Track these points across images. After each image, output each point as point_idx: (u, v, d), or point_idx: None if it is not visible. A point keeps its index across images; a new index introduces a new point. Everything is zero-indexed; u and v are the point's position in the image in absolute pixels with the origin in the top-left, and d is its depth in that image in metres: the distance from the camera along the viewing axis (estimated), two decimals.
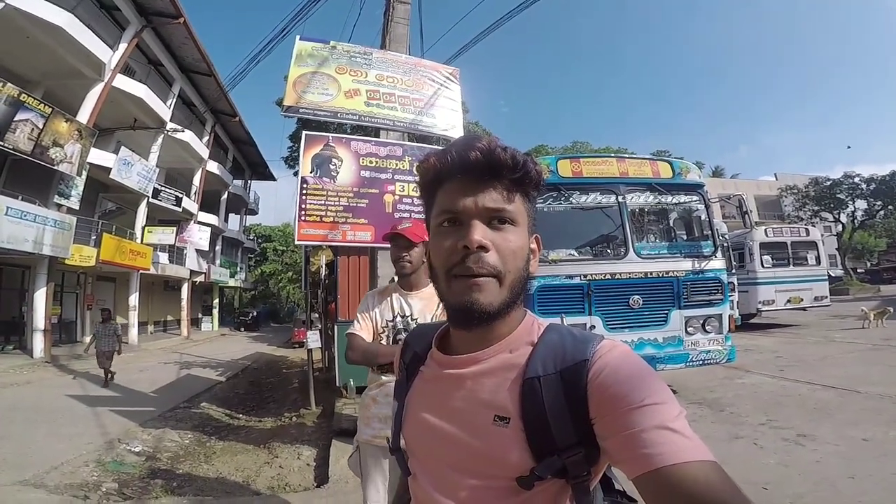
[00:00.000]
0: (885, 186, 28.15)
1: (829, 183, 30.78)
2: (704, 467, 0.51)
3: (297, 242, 4.11)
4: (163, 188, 19.10)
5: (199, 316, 28.26)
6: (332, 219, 4.25)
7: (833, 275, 20.84)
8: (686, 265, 5.26)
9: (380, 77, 4.87)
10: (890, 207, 29.78)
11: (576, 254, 5.33)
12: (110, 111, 15.38)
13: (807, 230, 14.02)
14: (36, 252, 11.75)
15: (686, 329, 5.16)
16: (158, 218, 20.49)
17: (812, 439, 4.02)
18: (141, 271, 17.98)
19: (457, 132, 5.03)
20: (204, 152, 22.75)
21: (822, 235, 14.88)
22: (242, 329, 30.42)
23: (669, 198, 5.71)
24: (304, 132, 4.37)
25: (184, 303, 22.90)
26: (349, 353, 2.04)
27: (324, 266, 8.86)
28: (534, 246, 0.68)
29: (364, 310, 2.10)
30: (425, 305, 2.03)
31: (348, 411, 5.37)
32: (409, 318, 2.03)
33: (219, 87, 21.60)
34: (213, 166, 24.77)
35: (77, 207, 13.64)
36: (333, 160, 4.32)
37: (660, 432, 0.54)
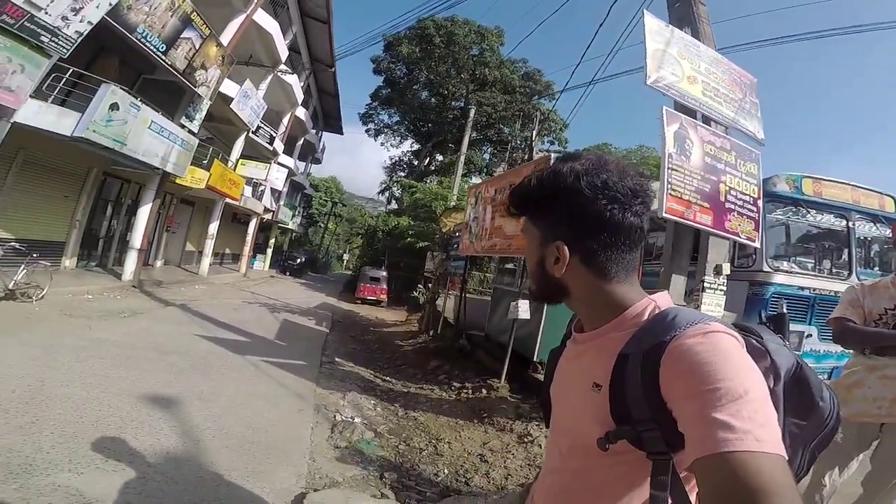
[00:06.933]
0: None
1: None
2: (748, 458, 0.53)
3: (663, 215, 4.09)
4: (262, 125, 19.05)
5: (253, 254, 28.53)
6: (688, 197, 4.26)
7: None
8: None
9: (707, 70, 4.88)
10: None
11: (798, 267, 6.00)
12: (237, 43, 15.08)
13: None
14: (161, 168, 11.74)
15: None
16: (244, 153, 20.50)
17: None
18: (227, 200, 17.99)
19: (760, 136, 5.12)
20: (299, 97, 22.64)
21: None
22: (288, 273, 30.64)
23: (887, 231, 6.14)
24: (664, 108, 4.37)
25: (249, 238, 22.99)
26: (846, 334, 2.34)
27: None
28: (548, 253, 0.81)
29: (852, 299, 2.38)
30: None
31: None
32: None
33: (329, 36, 21.50)
34: (300, 112, 24.73)
35: (196, 131, 13.59)
36: (687, 141, 4.36)
37: (705, 422, 0.57)
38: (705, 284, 4.65)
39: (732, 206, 4.64)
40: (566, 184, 0.77)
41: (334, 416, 4.76)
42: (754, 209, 4.81)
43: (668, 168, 4.24)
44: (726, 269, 4.74)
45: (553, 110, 25.43)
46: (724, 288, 4.77)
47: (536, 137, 17.11)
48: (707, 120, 4.77)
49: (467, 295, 10.20)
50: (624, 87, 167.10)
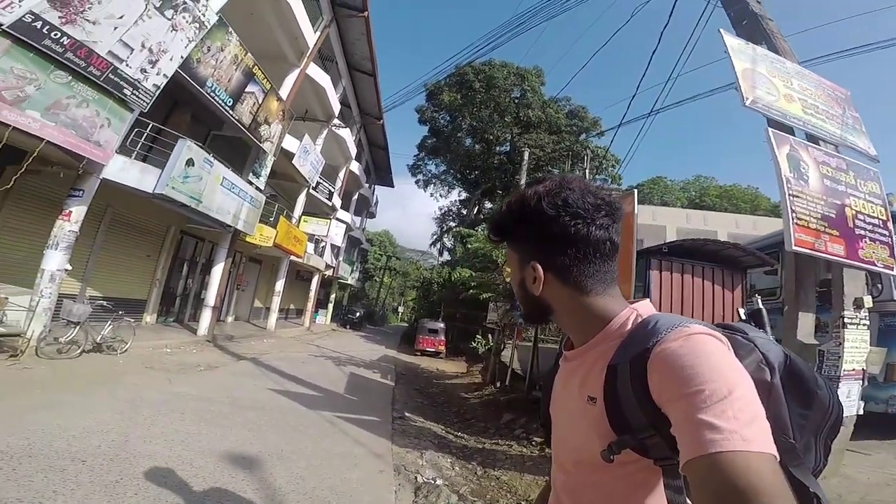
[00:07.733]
0: None
1: None
2: (735, 458, 0.53)
3: (793, 248, 3.64)
4: (321, 181, 19.78)
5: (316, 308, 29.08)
6: (815, 226, 3.87)
7: None
8: None
9: (801, 87, 4.51)
10: None
11: None
12: (294, 98, 15.50)
13: None
14: (233, 225, 12.18)
15: None
16: (305, 210, 21.23)
17: None
18: (292, 257, 18.51)
19: (873, 152, 4.61)
20: (353, 151, 23.45)
21: None
22: (348, 327, 30.96)
23: None
24: (769, 129, 4.04)
25: (312, 293, 23.49)
26: None
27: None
28: (526, 274, 0.84)
29: None
30: None
31: None
32: None
33: (375, 88, 22.39)
34: (354, 166, 25.65)
35: (263, 187, 14.15)
36: (801, 163, 4.03)
37: (691, 425, 0.57)
38: (846, 320, 4.01)
39: (863, 232, 4.16)
40: (530, 207, 0.81)
41: (415, 478, 4.40)
42: (886, 233, 4.25)
43: (789, 195, 3.83)
44: (868, 301, 4.11)
45: (606, 148, 24.97)
46: (868, 322, 4.09)
47: (590, 176, 16.58)
48: (812, 139, 4.37)
49: (539, 345, 9.64)
50: (678, 117, 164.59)
